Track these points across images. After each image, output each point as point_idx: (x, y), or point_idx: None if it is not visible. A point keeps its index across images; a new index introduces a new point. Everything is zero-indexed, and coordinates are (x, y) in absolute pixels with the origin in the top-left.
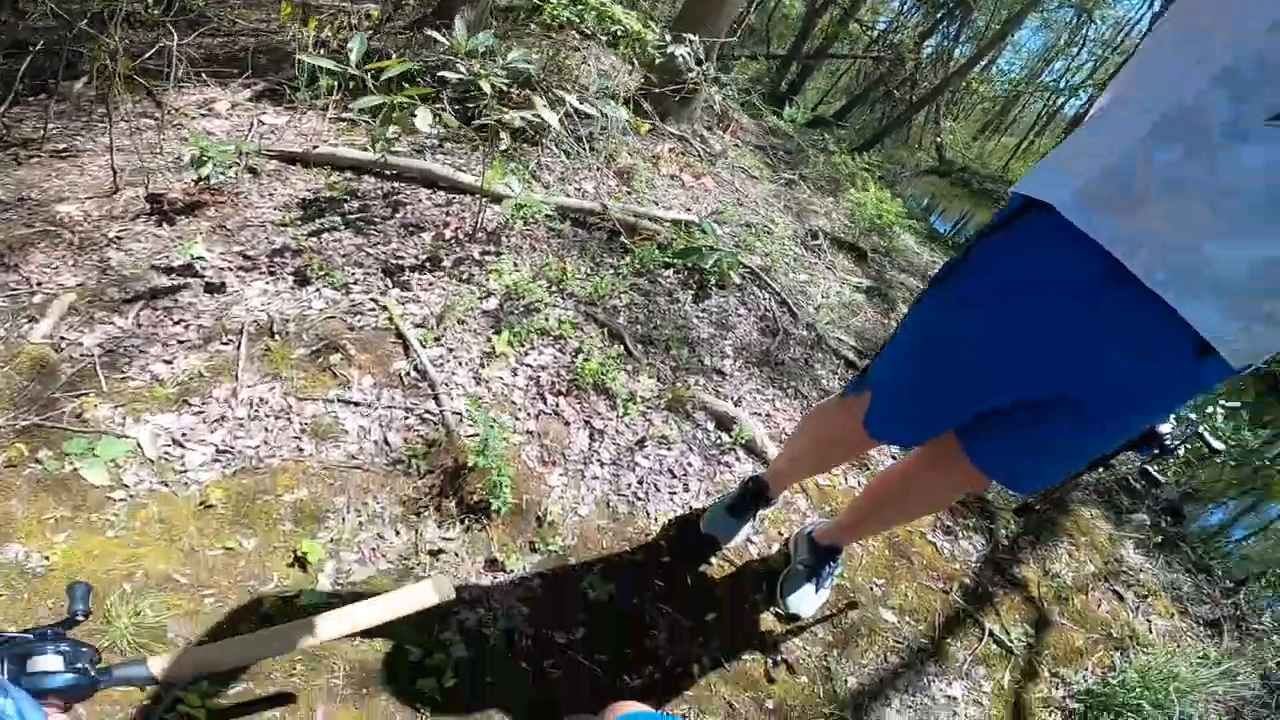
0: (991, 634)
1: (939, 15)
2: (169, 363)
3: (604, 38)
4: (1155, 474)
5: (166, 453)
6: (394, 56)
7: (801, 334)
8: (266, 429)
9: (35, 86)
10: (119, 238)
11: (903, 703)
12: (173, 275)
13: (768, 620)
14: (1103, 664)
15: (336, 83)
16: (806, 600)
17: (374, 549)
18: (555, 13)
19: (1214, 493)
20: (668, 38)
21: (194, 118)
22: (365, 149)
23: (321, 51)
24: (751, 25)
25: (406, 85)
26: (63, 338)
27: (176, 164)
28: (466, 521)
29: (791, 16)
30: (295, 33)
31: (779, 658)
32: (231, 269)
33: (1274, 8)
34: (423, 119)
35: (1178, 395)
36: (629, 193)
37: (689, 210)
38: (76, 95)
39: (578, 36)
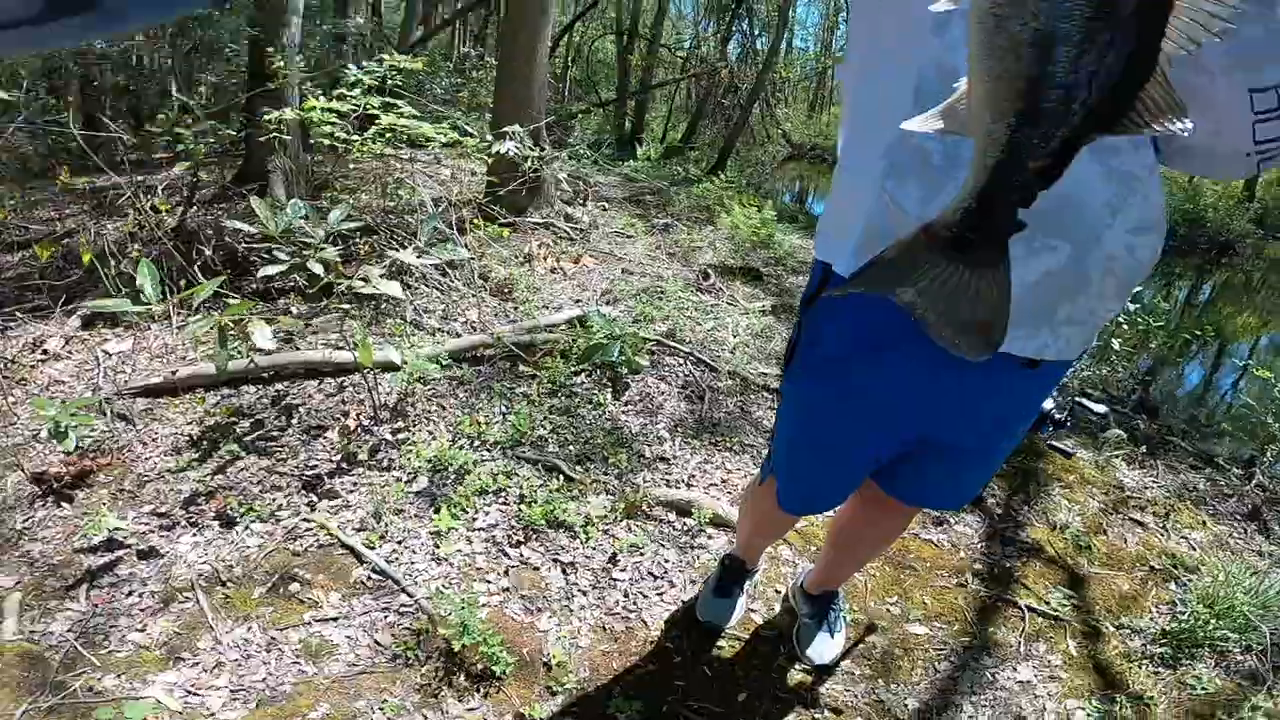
0: (1030, 608)
1: (727, 18)
2: (142, 630)
3: (427, 155)
4: (1066, 447)
5: (187, 702)
6: (201, 252)
7: (726, 384)
8: (264, 663)
9: None
10: (27, 528)
11: (975, 704)
12: (99, 553)
13: (799, 678)
14: (1161, 600)
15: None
16: (826, 647)
17: None
18: (367, 149)
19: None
20: (489, 137)
21: (30, 365)
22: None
23: (114, 271)
24: (575, 77)
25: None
26: (32, 631)
27: (37, 433)
28: (482, 689)
29: (607, 60)
30: (91, 234)
31: (825, 710)
32: (152, 530)
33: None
34: (261, 336)
35: (1036, 395)
36: (515, 308)
37: (578, 302)
38: None
39: (401, 158)
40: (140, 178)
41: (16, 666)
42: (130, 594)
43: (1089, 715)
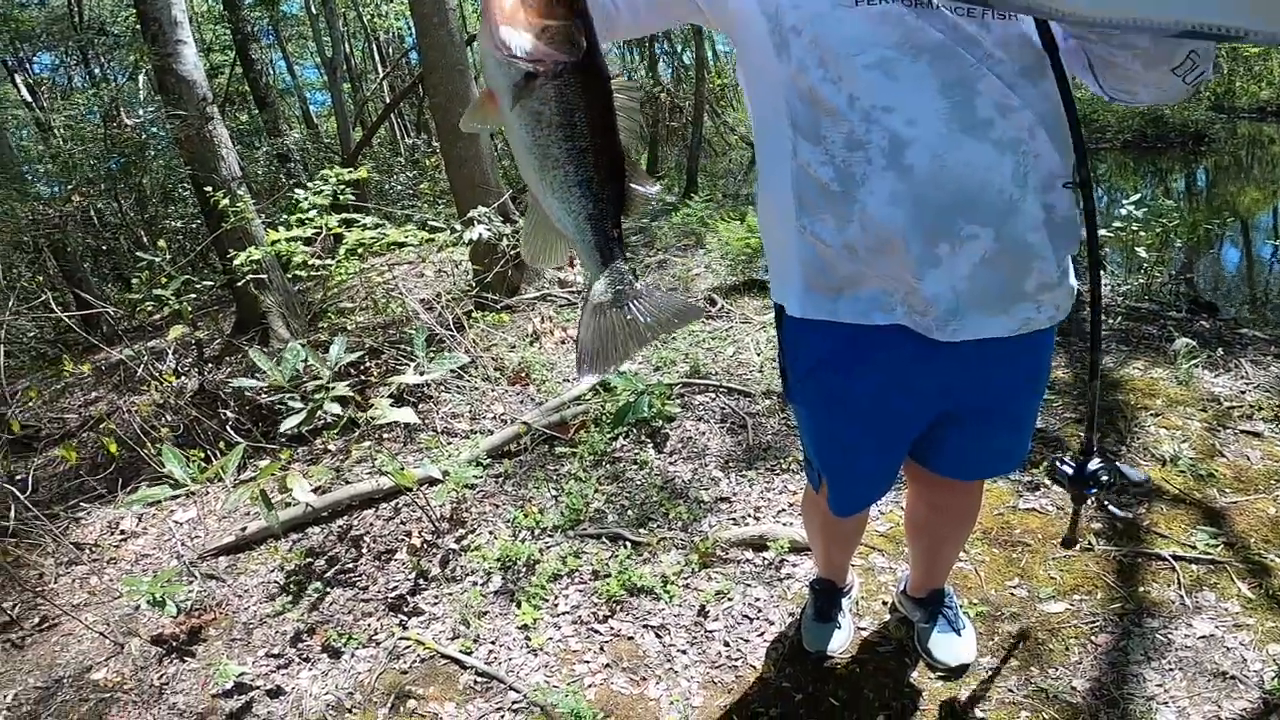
0: (1177, 557)
1: (647, 43)
2: None
3: (408, 257)
4: (1114, 509)
5: None
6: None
7: (764, 405)
8: None
9: None
10: (165, 683)
11: (1159, 670)
12: (233, 697)
13: (936, 686)
14: None
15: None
16: (957, 646)
17: None
18: (342, 269)
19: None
20: (458, 226)
21: (113, 546)
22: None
23: (150, 450)
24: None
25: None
26: None
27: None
28: None
29: None
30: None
31: (979, 712)
32: (273, 670)
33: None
34: (300, 490)
35: (1044, 351)
36: (536, 389)
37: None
38: None
39: (380, 269)
40: (150, 344)
41: None
42: None
43: None
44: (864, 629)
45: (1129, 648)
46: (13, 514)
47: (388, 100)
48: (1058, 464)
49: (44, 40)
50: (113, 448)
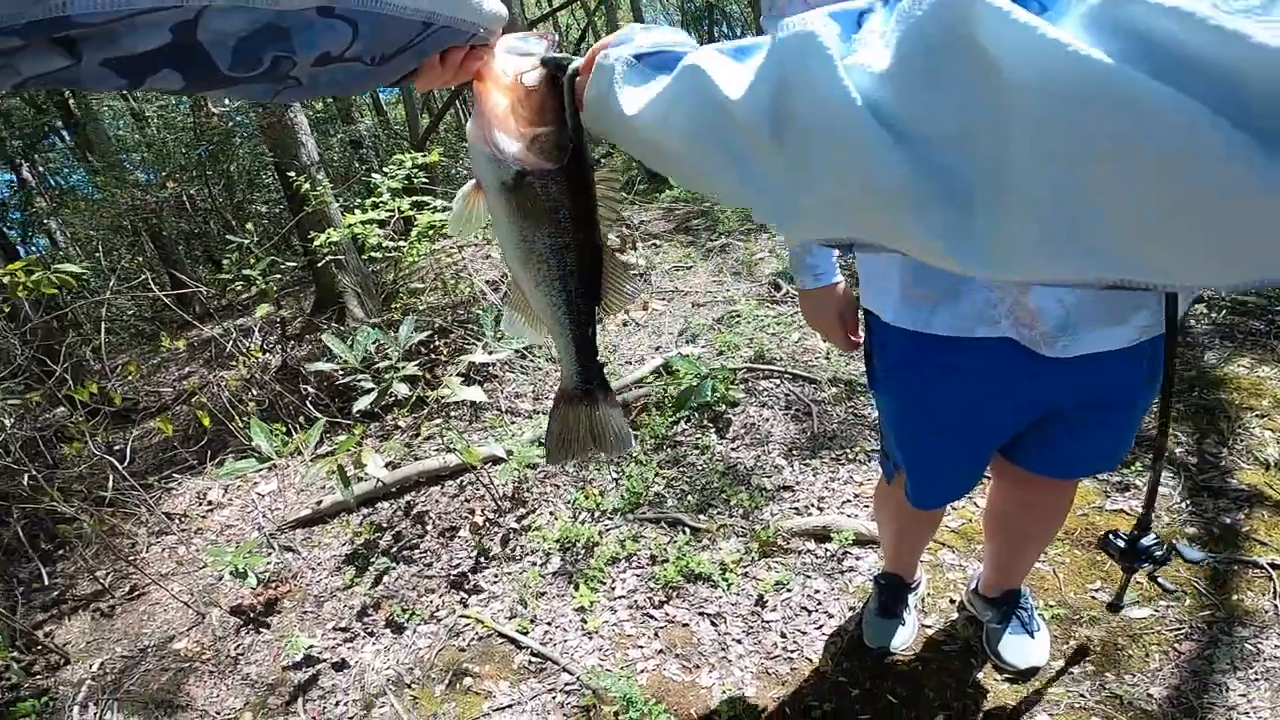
0: (1274, 565)
1: (705, 27)
2: None
3: (474, 240)
4: (1165, 583)
5: None
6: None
7: (830, 393)
8: None
9: (57, 542)
10: (240, 654)
11: (1244, 680)
12: (302, 669)
13: (1003, 688)
14: None
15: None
16: (1028, 648)
17: None
18: (415, 252)
19: None
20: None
21: (201, 516)
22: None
23: (238, 424)
24: None
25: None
26: None
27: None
28: None
29: None
30: (212, 388)
31: (1046, 715)
32: (339, 644)
33: None
34: (373, 465)
35: (1147, 359)
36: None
37: (658, 349)
38: (90, 534)
39: (449, 251)
40: (238, 321)
41: None
42: (338, 704)
43: None
44: (929, 627)
45: (1214, 656)
46: (111, 484)
47: (451, 89)
48: (1110, 537)
49: None
50: (206, 420)
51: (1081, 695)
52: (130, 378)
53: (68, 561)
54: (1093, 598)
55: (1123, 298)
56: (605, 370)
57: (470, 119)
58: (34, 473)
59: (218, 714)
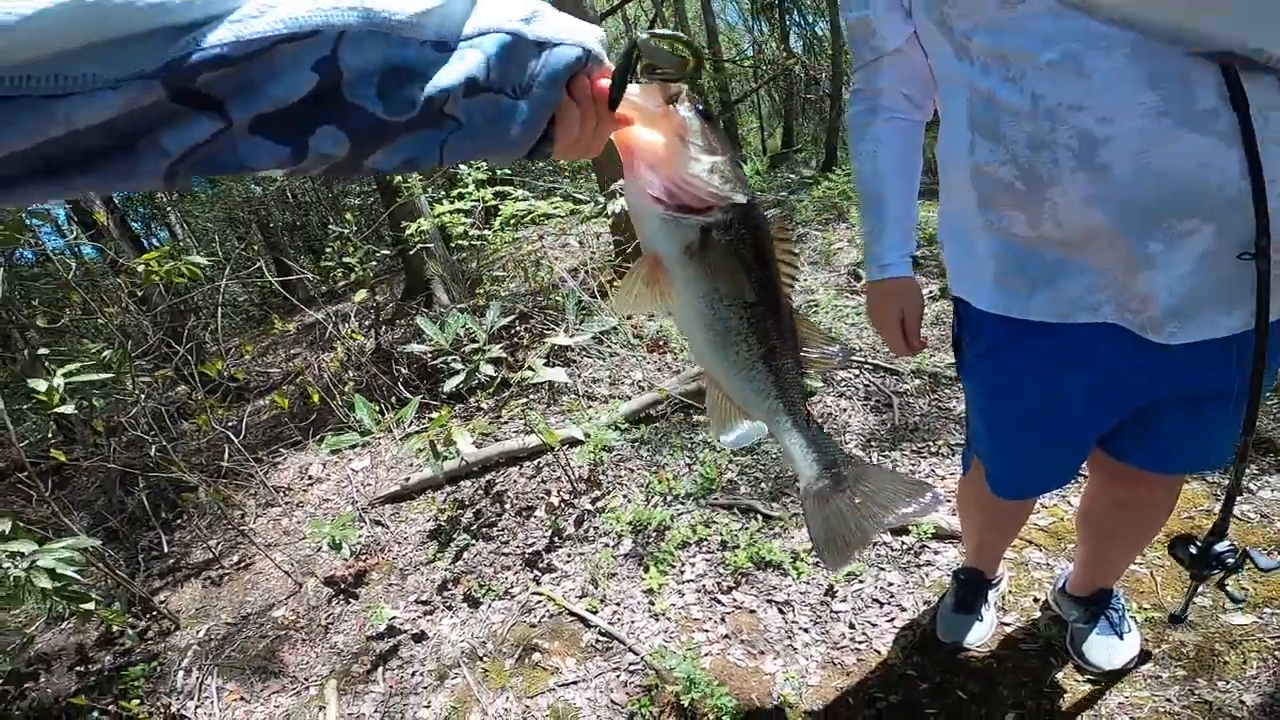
0: None
1: (776, 13)
2: (428, 707)
3: (553, 229)
4: (1232, 593)
5: None
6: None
7: (913, 385)
8: None
9: (176, 512)
10: (330, 623)
11: None
12: (384, 639)
13: (1083, 689)
14: None
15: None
16: (1114, 650)
17: None
18: (499, 239)
19: None
20: (600, 198)
21: (302, 490)
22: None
23: (339, 402)
24: None
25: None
26: (349, 713)
27: (320, 546)
28: None
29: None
30: (314, 369)
31: (1130, 719)
32: (420, 616)
33: None
34: (463, 441)
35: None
36: (674, 358)
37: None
38: (207, 504)
39: (531, 240)
40: (337, 307)
41: None
42: (414, 674)
43: None
44: (1008, 625)
45: None
46: (227, 456)
47: None
48: (1182, 541)
49: None
50: (315, 397)
51: (1168, 700)
52: (244, 358)
53: (184, 531)
54: (1192, 602)
55: (1233, 283)
56: (680, 355)
57: (626, 182)
58: (163, 444)
59: (306, 680)
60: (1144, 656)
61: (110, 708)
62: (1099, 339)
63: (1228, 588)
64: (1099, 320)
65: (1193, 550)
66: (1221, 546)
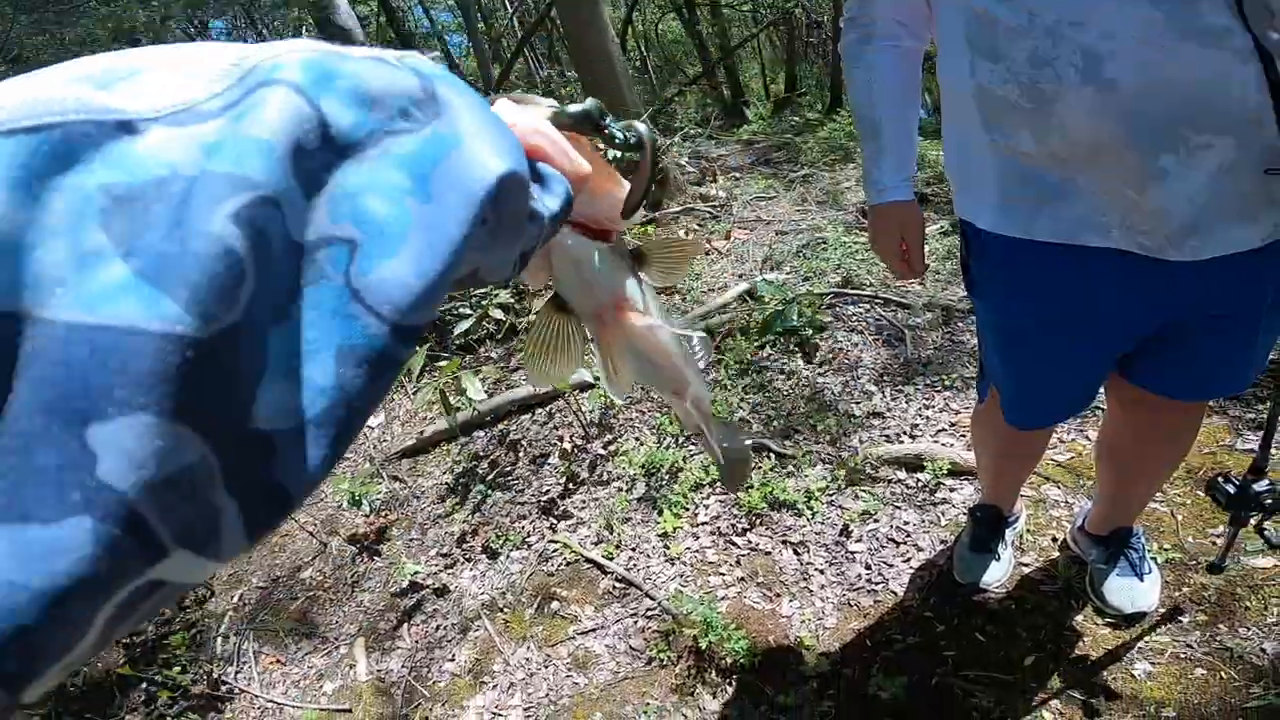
0: None
1: None
2: (452, 660)
3: None
4: (1272, 536)
5: None
6: None
7: (926, 318)
8: (544, 679)
9: None
10: (356, 581)
11: None
12: (408, 595)
13: (1103, 633)
14: None
15: None
16: (1135, 591)
17: None
18: None
19: None
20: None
21: None
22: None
23: None
24: (655, 65)
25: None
26: (378, 669)
27: (340, 504)
28: (733, 681)
29: (679, 38)
30: None
31: (1147, 663)
32: (441, 570)
33: None
34: (473, 389)
35: None
36: (682, 298)
37: (741, 276)
38: None
39: None
40: None
41: (374, 704)
42: (438, 628)
43: None
44: (1026, 565)
45: None
46: None
47: (519, 35)
48: (1219, 480)
49: (214, 8)
50: None
51: (1188, 645)
52: None
53: None
54: (1213, 543)
55: (1250, 195)
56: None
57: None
58: None
59: (336, 640)
60: (1173, 612)
61: (157, 677)
62: (1112, 260)
63: (1266, 531)
64: (1109, 245)
65: (1230, 489)
66: (1261, 486)
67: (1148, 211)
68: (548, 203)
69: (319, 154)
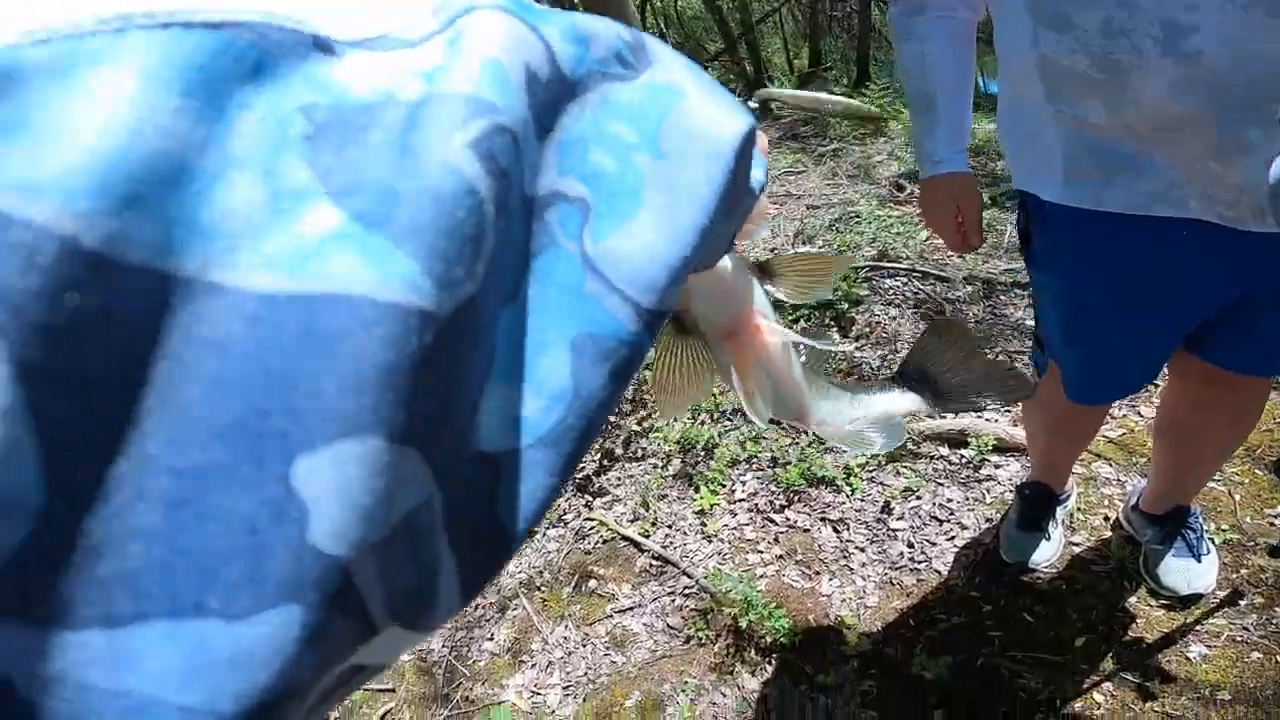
0: None
1: None
2: (491, 639)
3: None
4: None
5: (533, 702)
6: None
7: (966, 291)
8: (582, 658)
9: None
10: None
11: None
12: None
13: (1157, 614)
14: None
15: None
16: (1191, 572)
17: (715, 716)
18: None
19: None
20: None
21: None
22: None
23: None
24: (676, 42)
25: None
26: (418, 649)
27: None
28: (773, 660)
29: (699, 14)
30: None
31: (1203, 645)
32: None
33: None
34: None
35: None
36: None
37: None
38: None
39: None
40: None
41: (416, 684)
42: (477, 607)
43: None
44: (1076, 544)
45: None
46: None
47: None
48: None
49: None
50: None
51: (1245, 629)
52: None
53: None
54: (1270, 524)
55: None
56: None
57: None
58: None
59: None
60: (1232, 595)
61: None
62: (1185, 227)
63: None
64: (1184, 215)
65: None
66: None
67: (1231, 184)
68: (756, 174)
69: (551, 86)
